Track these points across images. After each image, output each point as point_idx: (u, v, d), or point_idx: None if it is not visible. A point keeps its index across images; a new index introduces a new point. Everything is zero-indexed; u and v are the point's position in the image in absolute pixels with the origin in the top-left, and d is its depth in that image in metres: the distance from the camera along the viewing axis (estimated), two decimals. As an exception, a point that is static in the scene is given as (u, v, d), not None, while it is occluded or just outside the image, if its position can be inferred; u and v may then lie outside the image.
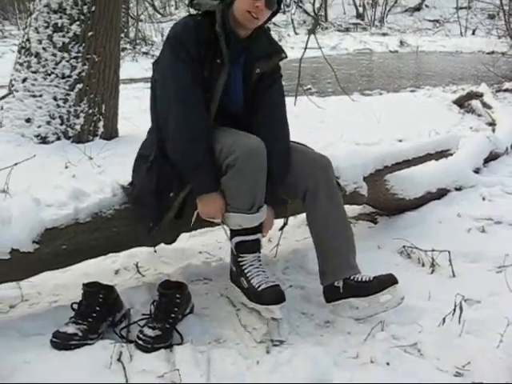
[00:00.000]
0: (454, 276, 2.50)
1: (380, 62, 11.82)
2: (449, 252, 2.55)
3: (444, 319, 2.06)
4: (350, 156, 2.79)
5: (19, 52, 4.71)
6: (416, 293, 2.33)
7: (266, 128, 2.22)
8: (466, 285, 2.40)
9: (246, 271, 2.16)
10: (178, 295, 2.10)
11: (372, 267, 2.58)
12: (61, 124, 4.53)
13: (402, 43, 13.76)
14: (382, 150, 3.01)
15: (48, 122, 4.52)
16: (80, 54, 4.53)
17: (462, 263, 2.63)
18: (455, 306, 2.07)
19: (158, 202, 2.17)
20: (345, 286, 2.18)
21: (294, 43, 14.63)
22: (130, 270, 2.63)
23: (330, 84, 8.71)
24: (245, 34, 2.21)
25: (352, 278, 2.18)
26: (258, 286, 2.10)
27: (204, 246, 2.85)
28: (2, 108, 4.69)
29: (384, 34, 16.43)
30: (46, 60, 4.53)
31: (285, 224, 2.64)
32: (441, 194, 3.42)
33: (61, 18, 4.51)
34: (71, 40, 4.52)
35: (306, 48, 2.55)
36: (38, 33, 4.57)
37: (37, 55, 4.55)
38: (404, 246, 2.74)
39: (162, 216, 2.19)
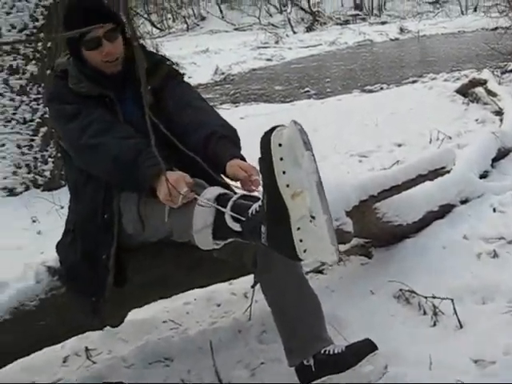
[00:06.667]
0: (460, 327, 2.08)
1: (380, 53, 11.35)
2: (452, 300, 2.12)
3: (447, 401, 1.65)
4: (327, 190, 2.37)
5: (-25, 101, 4.38)
6: (414, 357, 1.92)
7: (184, 117, 2.00)
8: (476, 339, 1.98)
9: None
10: (115, 404, 1.73)
11: (363, 320, 2.20)
12: (28, 173, 4.17)
13: (402, 30, 13.24)
14: (364, 177, 2.61)
15: (14, 173, 4.14)
16: (40, 95, 4.17)
17: (471, 305, 2.21)
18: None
19: (91, 269, 1.91)
20: (316, 363, 1.78)
21: (290, 43, 14.20)
22: (81, 355, 2.25)
23: (329, 83, 8.30)
24: (115, 69, 2.00)
25: (323, 351, 1.78)
26: None
27: (169, 313, 2.45)
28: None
29: (383, 23, 15.92)
30: (4, 106, 4.15)
31: (256, 282, 2.27)
32: (445, 211, 2.98)
33: (15, 59, 4.15)
34: (29, 81, 4.16)
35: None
36: (-8, 78, 4.24)
37: (-6, 102, 4.22)
38: (401, 290, 2.32)
39: (102, 284, 1.91)
